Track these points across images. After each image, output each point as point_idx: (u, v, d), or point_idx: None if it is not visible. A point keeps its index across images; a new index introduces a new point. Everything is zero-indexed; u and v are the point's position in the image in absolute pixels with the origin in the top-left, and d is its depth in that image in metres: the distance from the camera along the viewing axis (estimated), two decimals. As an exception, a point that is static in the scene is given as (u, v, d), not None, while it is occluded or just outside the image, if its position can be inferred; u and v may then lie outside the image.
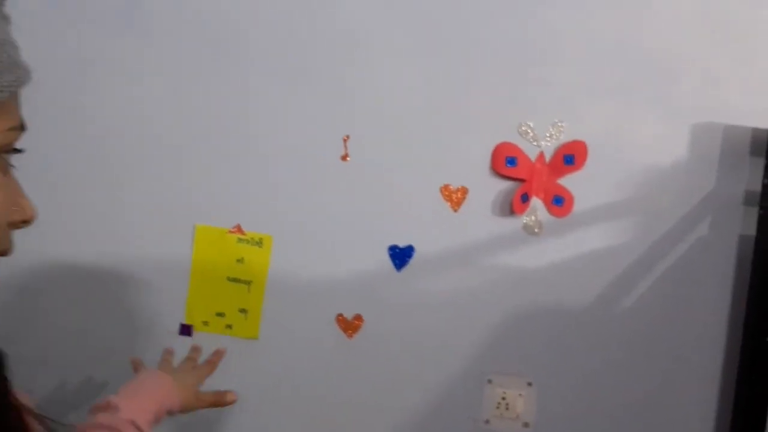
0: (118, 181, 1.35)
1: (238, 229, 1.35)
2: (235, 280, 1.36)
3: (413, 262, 1.37)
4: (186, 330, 1.36)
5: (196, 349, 1.25)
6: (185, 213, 1.34)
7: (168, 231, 1.34)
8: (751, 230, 1.36)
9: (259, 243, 1.35)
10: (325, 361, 1.38)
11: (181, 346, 1.33)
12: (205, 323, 1.36)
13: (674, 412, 1.41)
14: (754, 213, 1.36)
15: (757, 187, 1.35)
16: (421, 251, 1.37)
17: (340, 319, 1.37)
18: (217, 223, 1.35)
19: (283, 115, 1.34)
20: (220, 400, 1.17)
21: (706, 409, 1.42)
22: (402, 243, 1.36)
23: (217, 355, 1.24)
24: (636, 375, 1.40)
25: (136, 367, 1.17)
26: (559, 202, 1.37)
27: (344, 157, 1.34)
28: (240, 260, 1.35)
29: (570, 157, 1.36)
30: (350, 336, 1.37)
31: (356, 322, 1.37)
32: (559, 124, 1.36)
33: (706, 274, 1.40)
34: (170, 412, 1.06)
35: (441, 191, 1.36)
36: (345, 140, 1.34)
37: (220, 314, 1.36)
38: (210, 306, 1.36)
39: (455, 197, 1.36)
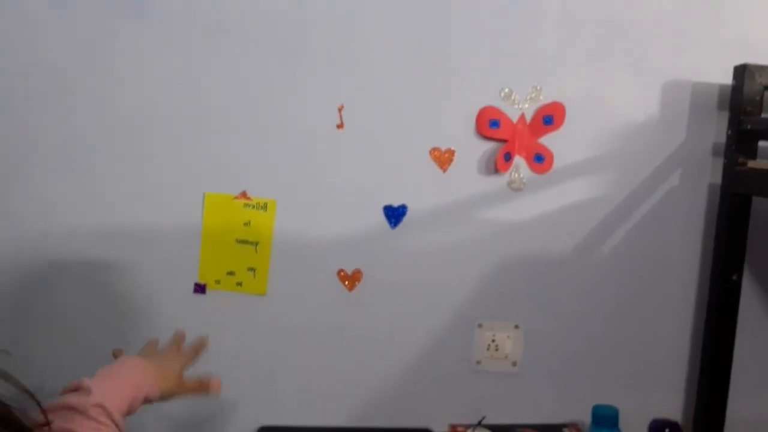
0: (134, 155, 1.43)
1: (244, 195, 1.45)
2: (243, 241, 1.46)
3: (406, 219, 1.47)
4: (200, 288, 1.47)
5: (179, 335, 1.21)
6: (195, 182, 1.43)
7: (180, 199, 1.44)
8: (719, 179, 1.45)
9: (264, 207, 1.45)
10: (328, 313, 1.48)
11: (197, 303, 1.46)
12: (218, 282, 1.47)
13: (650, 349, 1.53)
14: (721, 163, 1.46)
15: (724, 138, 1.46)
16: (413, 210, 1.47)
17: (341, 274, 1.48)
18: (224, 191, 1.44)
19: (283, 89, 1.42)
20: (204, 387, 1.13)
21: (680, 344, 1.54)
22: (396, 203, 1.47)
23: (200, 343, 1.20)
24: (614, 316, 1.52)
25: (117, 356, 1.12)
26: (540, 159, 1.48)
27: (340, 126, 1.44)
28: (247, 223, 1.46)
29: (549, 117, 1.46)
30: (351, 289, 1.48)
31: (356, 275, 1.48)
32: (538, 87, 1.46)
33: (678, 222, 1.51)
34: (149, 400, 1.03)
35: (430, 154, 1.46)
36: (340, 110, 1.44)
37: (230, 273, 1.47)
38: (221, 266, 1.46)
39: (443, 159, 1.46)
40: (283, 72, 1.43)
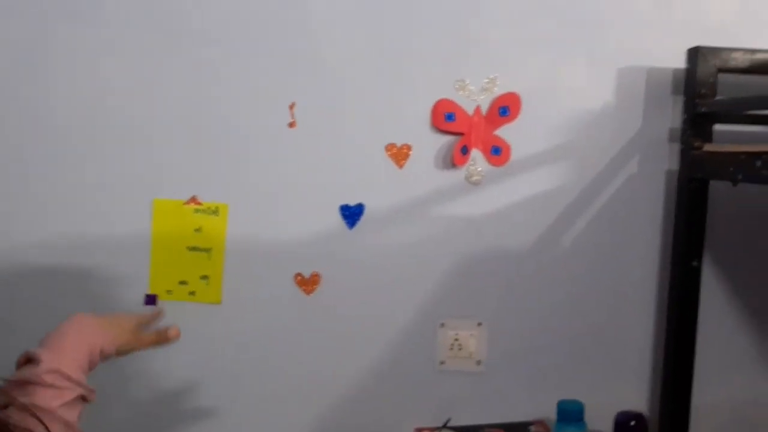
0: (75, 162, 1.38)
1: (194, 200, 1.40)
2: (195, 248, 1.41)
3: (364, 219, 1.43)
4: (151, 300, 1.41)
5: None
6: (143, 188, 1.39)
7: (127, 207, 1.39)
8: (677, 165, 1.44)
9: (216, 212, 1.40)
10: (286, 319, 1.44)
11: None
12: (169, 292, 1.41)
13: (614, 341, 1.51)
14: (678, 148, 1.45)
15: (680, 123, 1.45)
16: (371, 208, 1.43)
17: (298, 278, 1.43)
18: (174, 196, 1.39)
19: (231, 88, 1.38)
20: (162, 338, 1.13)
21: (644, 334, 1.52)
22: (352, 202, 1.43)
23: (159, 312, 1.23)
24: (576, 308, 1.50)
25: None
26: (497, 151, 1.45)
27: (292, 124, 1.40)
28: (198, 230, 1.40)
29: (505, 108, 1.43)
30: (309, 293, 1.44)
31: (314, 279, 1.43)
32: (492, 77, 1.43)
33: (637, 209, 1.50)
34: (105, 354, 1.02)
35: (386, 150, 1.42)
36: (291, 108, 1.39)
37: (183, 282, 1.42)
38: (173, 275, 1.41)
39: (400, 154, 1.42)
40: (231, 69, 1.39)
